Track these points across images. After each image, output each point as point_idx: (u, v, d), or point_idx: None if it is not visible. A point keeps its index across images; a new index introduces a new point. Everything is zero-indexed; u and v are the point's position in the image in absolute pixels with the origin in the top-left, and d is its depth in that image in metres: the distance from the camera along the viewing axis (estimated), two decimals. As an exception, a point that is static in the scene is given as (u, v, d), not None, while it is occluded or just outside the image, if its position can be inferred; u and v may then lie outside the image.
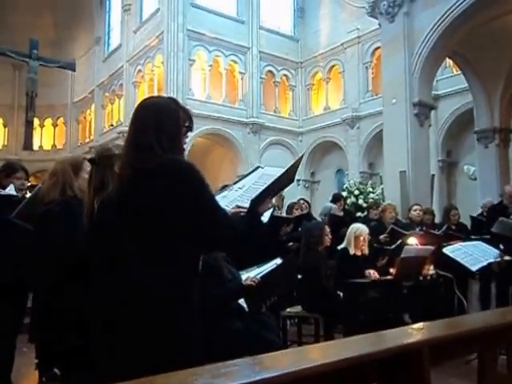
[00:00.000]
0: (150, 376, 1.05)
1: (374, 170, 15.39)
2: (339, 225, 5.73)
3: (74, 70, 18.12)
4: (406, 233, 5.42)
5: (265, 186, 1.81)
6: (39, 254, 2.71)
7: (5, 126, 21.54)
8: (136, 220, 1.59)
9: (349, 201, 11.03)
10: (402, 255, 4.55)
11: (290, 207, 6.35)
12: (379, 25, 10.61)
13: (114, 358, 1.61)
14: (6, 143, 21.35)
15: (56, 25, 20.85)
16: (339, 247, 4.87)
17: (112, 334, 1.61)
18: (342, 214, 6.93)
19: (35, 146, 18.35)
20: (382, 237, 5.73)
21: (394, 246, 5.25)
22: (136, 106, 1.77)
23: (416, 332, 1.60)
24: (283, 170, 1.89)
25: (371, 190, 12.13)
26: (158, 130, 1.63)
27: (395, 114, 9.52)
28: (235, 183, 2.04)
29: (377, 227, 6.06)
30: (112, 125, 18.68)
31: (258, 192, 1.78)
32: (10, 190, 3.17)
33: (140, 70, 17.06)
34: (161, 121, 1.66)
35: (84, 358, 2.33)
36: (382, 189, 11.48)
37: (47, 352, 3.74)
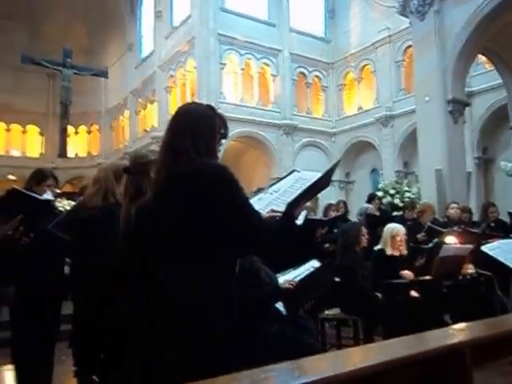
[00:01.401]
0: (189, 382, 1.05)
1: (410, 169, 15.10)
2: (376, 225, 5.64)
3: (107, 77, 18.55)
4: (444, 230, 5.32)
5: (301, 190, 1.80)
6: (80, 259, 2.76)
7: (41, 135, 22.20)
8: (172, 224, 1.60)
9: (384, 200, 10.88)
10: (441, 254, 4.44)
11: (327, 208, 6.31)
12: (410, 23, 10.45)
13: (153, 364, 1.62)
14: (42, 151, 22.02)
15: (88, 33, 21.40)
16: (376, 248, 4.79)
17: (150, 341, 1.62)
18: (378, 213, 6.83)
19: (70, 154, 18.79)
20: (419, 235, 5.65)
21: (431, 245, 5.15)
22: (174, 111, 1.80)
23: (457, 333, 1.56)
24: (320, 175, 1.87)
25: (407, 188, 11.94)
26: (194, 135, 1.66)
27: (429, 112, 9.35)
28: (270, 186, 2.04)
29: (413, 227, 5.95)
30: (145, 130, 19.01)
31: (293, 196, 1.77)
32: (47, 195, 3.24)
33: (172, 76, 17.31)
34: (197, 126, 1.69)
35: (122, 365, 2.37)
36: (419, 187, 11.29)
37: (85, 360, 3.83)
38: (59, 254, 3.17)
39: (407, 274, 4.50)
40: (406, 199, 10.75)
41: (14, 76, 20.37)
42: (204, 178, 1.58)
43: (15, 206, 2.18)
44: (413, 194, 11.48)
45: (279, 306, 3.05)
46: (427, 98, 9.41)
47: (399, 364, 1.17)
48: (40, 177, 3.37)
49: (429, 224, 5.72)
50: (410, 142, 14.17)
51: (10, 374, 4.01)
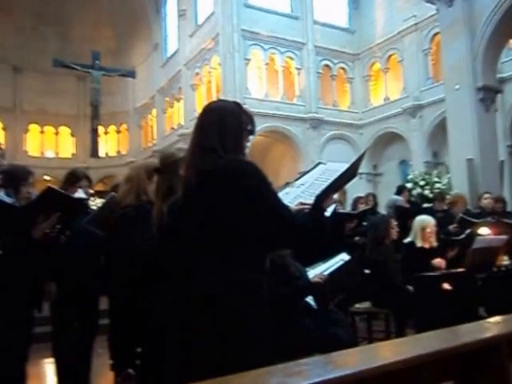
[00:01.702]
0: (223, 375, 1.07)
1: (439, 159, 14.77)
2: (406, 217, 5.56)
3: (135, 78, 18.86)
4: (477, 221, 5.20)
5: (329, 181, 1.80)
6: (115, 256, 2.84)
7: (72, 136, 22.76)
8: (202, 221, 1.63)
9: (414, 192, 10.70)
10: (474, 246, 4.35)
11: (355, 201, 6.25)
12: (437, 10, 10.21)
13: (189, 358, 1.66)
14: (74, 152, 22.58)
15: (115, 35, 21.74)
16: (405, 240, 4.74)
17: (186, 335, 1.66)
18: (407, 205, 6.73)
19: (101, 153, 19.15)
20: (451, 227, 5.54)
21: (463, 236, 5.04)
22: (201, 109, 1.82)
23: (493, 326, 1.53)
24: (347, 166, 1.87)
25: (437, 179, 11.68)
26: (221, 132, 1.68)
27: (459, 101, 9.13)
28: (297, 180, 2.05)
29: (444, 218, 5.85)
30: (173, 128, 19.23)
31: (322, 188, 1.78)
32: (80, 194, 3.34)
33: (197, 73, 17.44)
34: (225, 124, 1.70)
35: (158, 358, 2.43)
36: (449, 178, 11.04)
37: (122, 353, 3.94)
38: (94, 249, 3.27)
39: (439, 262, 4.43)
40: (436, 190, 10.54)
41: (47, 80, 21.02)
42: (232, 175, 1.60)
43: (52, 205, 2.25)
44: (443, 185, 11.24)
45: (309, 300, 3.06)
46: (457, 86, 9.20)
47: (433, 358, 1.17)
48: (74, 179, 3.47)
49: (461, 215, 5.60)
50: (439, 132, 13.87)
51: (50, 367, 4.18)
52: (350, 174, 1.90)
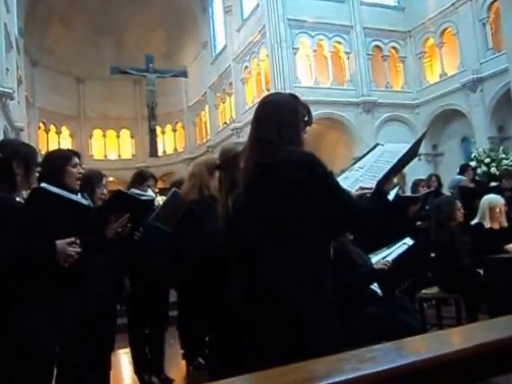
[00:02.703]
0: (291, 362, 1.09)
1: (506, 134, 13.94)
2: (471, 197, 5.33)
3: (187, 77, 19.31)
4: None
5: (390, 165, 1.77)
6: (181, 249, 2.97)
7: (132, 137, 23.72)
8: (264, 213, 1.66)
9: (479, 170, 10.19)
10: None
11: (416, 185, 6.05)
12: (494, -25, 9.64)
13: (260, 345, 1.70)
14: (134, 153, 23.53)
15: (166, 38, 22.31)
16: (472, 222, 4.54)
17: (256, 323, 1.71)
18: (472, 185, 6.44)
19: (159, 152, 19.81)
20: None
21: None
22: (258, 103, 1.85)
23: None
24: (407, 148, 1.82)
25: (504, 156, 11.04)
26: (278, 125, 1.69)
27: (525, 70, 8.59)
28: (355, 163, 2.02)
29: (512, 198, 5.54)
30: (225, 123, 19.47)
31: (384, 172, 1.75)
32: (149, 193, 3.53)
33: (247, 67, 17.52)
34: (281, 115, 1.72)
35: (227, 347, 2.50)
36: (517, 153, 10.45)
37: (192, 343, 4.09)
38: (163, 244, 3.44)
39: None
40: (504, 167, 9.97)
41: (106, 87, 22.09)
42: (292, 166, 1.61)
43: (121, 206, 2.40)
44: (511, 161, 10.63)
45: (375, 287, 3.03)
46: (521, 55, 8.65)
47: (509, 344, 1.13)
48: (141, 179, 3.75)
49: (535, 191, 5.30)
50: (504, 105, 13.09)
51: (126, 357, 4.41)
52: (410, 155, 1.86)
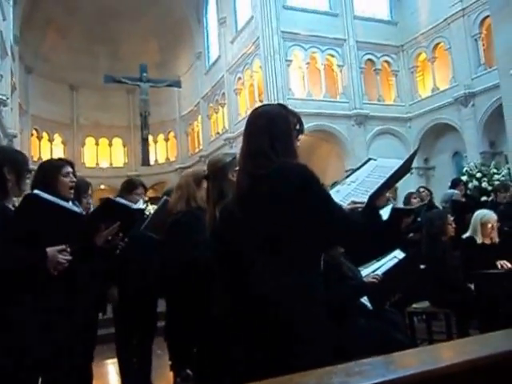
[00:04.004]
0: (279, 375, 1.07)
1: (497, 149, 14.05)
2: (463, 212, 5.34)
3: (180, 87, 19.41)
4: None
5: (383, 180, 1.76)
6: (168, 259, 2.94)
7: (124, 146, 23.76)
8: (257, 224, 1.64)
9: (470, 185, 10.26)
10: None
11: (408, 197, 6.09)
12: (486, -8, 9.79)
13: (248, 358, 1.67)
14: (126, 161, 23.58)
15: (160, 48, 22.44)
16: (464, 236, 4.53)
17: (244, 336, 1.67)
18: (463, 199, 6.46)
19: (151, 161, 19.84)
20: None
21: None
22: (248, 115, 1.83)
23: None
24: (400, 164, 1.82)
25: (495, 170, 11.14)
26: (271, 136, 1.68)
27: (515, 86, 8.68)
28: (347, 177, 2.02)
29: (508, 211, 5.56)
30: (218, 133, 19.54)
31: (376, 187, 1.74)
32: (139, 204, 3.47)
33: (240, 78, 17.61)
34: (273, 127, 1.71)
35: (215, 358, 2.46)
36: (509, 168, 10.52)
37: (180, 354, 4.02)
38: (151, 254, 3.40)
39: (504, 263, 4.20)
40: (496, 182, 10.04)
41: (100, 95, 22.14)
42: (285, 178, 1.60)
43: (111, 215, 2.38)
44: (502, 176, 10.71)
45: (365, 300, 3.00)
46: (512, 71, 8.76)
47: (500, 359, 1.10)
48: (130, 187, 3.71)
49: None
50: (495, 120, 13.23)
51: (113, 368, 4.34)
52: (403, 171, 1.86)
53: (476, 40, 14.58)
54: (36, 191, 2.12)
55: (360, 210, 1.69)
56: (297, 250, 1.59)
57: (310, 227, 1.58)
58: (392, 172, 1.79)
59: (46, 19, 20.34)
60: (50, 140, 22.04)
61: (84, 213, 2.60)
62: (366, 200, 1.71)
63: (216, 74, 19.42)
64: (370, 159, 2.02)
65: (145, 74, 17.69)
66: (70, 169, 2.50)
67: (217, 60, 19.63)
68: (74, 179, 2.52)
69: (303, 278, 1.58)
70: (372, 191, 1.73)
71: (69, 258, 2.08)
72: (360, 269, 3.14)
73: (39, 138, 21.52)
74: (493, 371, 1.11)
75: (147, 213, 4.22)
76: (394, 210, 4.55)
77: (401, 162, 1.82)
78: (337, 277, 2.83)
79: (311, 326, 1.57)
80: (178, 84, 18.99)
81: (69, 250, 2.09)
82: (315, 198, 1.59)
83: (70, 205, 2.28)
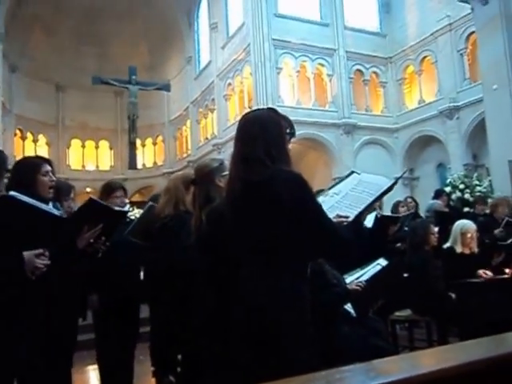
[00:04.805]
0: (263, 381, 1.08)
1: (479, 162, 14.32)
2: (446, 222, 5.42)
3: (169, 91, 19.29)
4: (526, 224, 5.00)
5: (370, 199, 1.81)
6: (156, 266, 2.92)
7: (110, 149, 23.42)
8: (249, 230, 1.65)
9: (453, 196, 10.42)
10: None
11: (396, 206, 6.13)
12: (472, 9, 9.98)
13: (230, 365, 1.68)
14: (112, 164, 23.23)
15: (150, 51, 22.28)
16: (445, 246, 4.62)
17: (228, 343, 1.68)
18: (446, 210, 6.57)
19: (139, 165, 19.59)
20: (497, 231, 5.36)
21: (510, 241, 4.85)
22: (239, 121, 1.83)
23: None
24: (389, 184, 1.86)
25: (478, 182, 11.34)
26: (264, 141, 1.67)
27: (498, 101, 8.88)
28: (330, 188, 2.04)
29: (487, 222, 5.67)
30: (207, 138, 19.48)
31: (362, 206, 1.79)
32: (125, 208, 3.43)
33: (230, 84, 17.63)
34: (266, 132, 1.70)
35: (197, 365, 2.46)
36: (490, 181, 10.70)
37: (162, 360, 3.99)
38: (135, 259, 3.35)
39: (484, 272, 4.29)
40: (477, 193, 10.23)
41: (87, 97, 21.77)
42: (278, 186, 1.60)
43: (94, 216, 2.32)
44: (484, 188, 10.90)
45: (348, 307, 3.03)
46: (495, 86, 8.95)
47: (480, 367, 1.13)
48: (109, 189, 3.58)
49: (508, 218, 5.41)
50: (478, 134, 13.48)
51: (94, 374, 4.29)
52: (387, 190, 1.91)
53: (462, 55, 14.86)
54: (12, 193, 2.04)
55: (345, 224, 1.71)
56: (286, 257, 1.60)
57: (301, 235, 1.59)
58: (379, 193, 1.84)
59: (32, 17, 20.00)
60: (35, 140, 21.64)
61: (65, 216, 2.52)
62: (349, 214, 1.74)
63: (206, 79, 19.40)
64: (353, 172, 2.06)
65: (134, 77, 17.49)
66: (48, 167, 2.40)
67: (207, 65, 19.62)
68: (54, 178, 2.43)
69: (290, 284, 1.59)
70: (359, 210, 1.77)
71: (47, 262, 2.01)
72: (344, 276, 3.17)
73: (23, 138, 21.12)
74: (471, 378, 1.15)
75: (132, 217, 4.18)
76: (381, 217, 4.64)
77: (389, 184, 1.86)
78: (322, 284, 2.86)
79: (297, 332, 1.58)
80: (167, 88, 18.88)
81: (47, 254, 2.02)
82: (308, 207, 1.61)
83: (49, 207, 2.22)
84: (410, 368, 1.10)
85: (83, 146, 23.18)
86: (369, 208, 1.83)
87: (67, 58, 21.16)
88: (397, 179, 1.98)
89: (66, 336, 2.77)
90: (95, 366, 3.82)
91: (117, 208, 2.63)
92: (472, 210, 7.00)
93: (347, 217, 1.72)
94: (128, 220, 3.51)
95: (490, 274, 4.31)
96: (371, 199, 1.81)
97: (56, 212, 2.22)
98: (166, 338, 3.43)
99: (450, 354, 1.34)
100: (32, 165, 2.39)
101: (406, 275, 4.30)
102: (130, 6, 20.75)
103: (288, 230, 1.58)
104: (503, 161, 8.44)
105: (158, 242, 2.83)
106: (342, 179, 2.05)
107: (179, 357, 3.37)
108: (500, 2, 8.79)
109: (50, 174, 2.40)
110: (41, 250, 2.01)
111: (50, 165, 2.45)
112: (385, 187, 1.84)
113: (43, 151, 21.13)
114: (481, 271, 4.29)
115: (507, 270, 4.37)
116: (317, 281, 2.76)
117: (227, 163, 1.90)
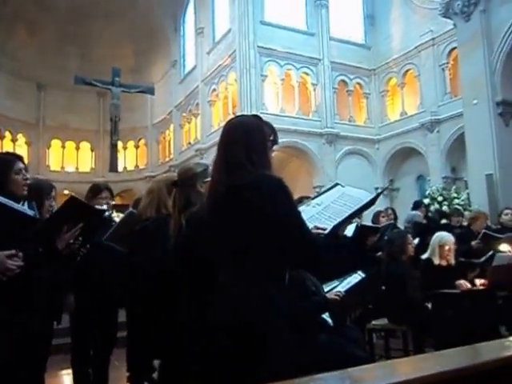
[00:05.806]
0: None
1: (458, 175, 14.60)
2: (425, 233, 5.50)
3: (153, 94, 19.15)
4: (501, 236, 5.09)
5: (349, 212, 1.82)
6: (136, 269, 2.87)
7: (92, 151, 23.14)
8: (229, 234, 1.65)
9: (432, 207, 10.58)
10: (495, 263, 4.29)
11: (376, 216, 6.18)
12: (454, 25, 10.22)
13: (207, 370, 1.67)
14: (93, 166, 22.95)
15: (135, 53, 22.15)
16: (423, 257, 4.68)
17: (204, 349, 1.67)
18: (424, 221, 6.66)
19: (120, 168, 19.36)
20: (474, 243, 5.45)
21: (483, 259, 4.95)
22: (223, 126, 1.84)
23: (515, 344, 1.50)
24: (369, 198, 1.88)
25: (456, 195, 11.54)
26: (247, 147, 1.69)
27: (477, 115, 9.08)
28: (313, 199, 2.06)
29: (464, 234, 5.77)
30: (190, 143, 19.41)
31: (340, 219, 1.80)
32: (103, 207, 3.36)
33: (214, 89, 17.64)
34: (249, 138, 1.72)
35: (173, 371, 2.43)
36: (468, 193, 10.91)
37: (138, 366, 3.94)
38: (114, 262, 3.30)
39: (464, 283, 4.35)
40: (455, 206, 10.42)
41: (69, 97, 21.50)
42: (261, 190, 1.61)
43: (75, 215, 2.27)
44: (462, 201, 11.11)
45: (326, 316, 3.04)
46: (475, 101, 9.15)
47: (454, 376, 1.15)
48: (95, 190, 3.58)
49: (485, 231, 5.53)
50: (457, 147, 13.75)
51: (68, 379, 4.20)
52: (368, 204, 1.93)
53: (443, 69, 15.16)
54: None
55: (322, 236, 1.72)
56: (264, 262, 1.60)
57: (279, 240, 1.60)
58: (359, 206, 1.85)
59: (15, 15, 19.74)
60: (13, 140, 21.20)
61: (38, 216, 2.44)
62: (327, 226, 1.75)
63: (191, 84, 19.38)
64: (337, 184, 2.07)
65: (117, 79, 17.31)
66: (21, 165, 2.33)
67: (192, 70, 19.60)
68: (27, 176, 2.35)
69: (268, 290, 1.59)
70: (336, 222, 1.77)
71: (20, 263, 1.96)
72: (323, 285, 3.18)
73: (1, 137, 20.67)
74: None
75: (115, 220, 4.12)
76: (361, 227, 4.68)
77: (369, 198, 1.88)
78: (300, 291, 2.87)
79: (274, 339, 1.57)
80: (151, 91, 18.74)
81: (20, 255, 1.97)
82: (287, 212, 1.62)
83: (22, 207, 2.16)
84: (385, 376, 1.11)
85: (63, 147, 22.84)
86: (346, 222, 1.83)
87: (50, 57, 20.90)
88: (378, 194, 2.00)
89: (40, 340, 2.70)
90: (69, 371, 3.75)
91: (97, 206, 2.59)
92: (449, 222, 7.12)
93: (324, 229, 1.73)
94: (113, 224, 3.47)
95: (469, 285, 4.37)
96: (349, 212, 1.82)
97: (30, 212, 2.16)
98: (142, 343, 3.39)
99: (425, 362, 1.35)
100: (4, 162, 2.31)
101: (383, 288, 4.34)
102: (115, 8, 20.59)
103: (267, 234, 1.59)
104: (481, 174, 8.62)
105: (138, 245, 2.79)
106: (325, 190, 2.06)
107: (155, 363, 3.33)
108: (481, 19, 9.02)
109: (24, 171, 2.33)
110: (13, 251, 1.95)
111: (22, 161, 2.38)
112: (364, 202, 1.85)
113: (22, 151, 20.73)
114: (462, 281, 4.35)
115: (477, 282, 4.45)
116: (295, 288, 2.77)
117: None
